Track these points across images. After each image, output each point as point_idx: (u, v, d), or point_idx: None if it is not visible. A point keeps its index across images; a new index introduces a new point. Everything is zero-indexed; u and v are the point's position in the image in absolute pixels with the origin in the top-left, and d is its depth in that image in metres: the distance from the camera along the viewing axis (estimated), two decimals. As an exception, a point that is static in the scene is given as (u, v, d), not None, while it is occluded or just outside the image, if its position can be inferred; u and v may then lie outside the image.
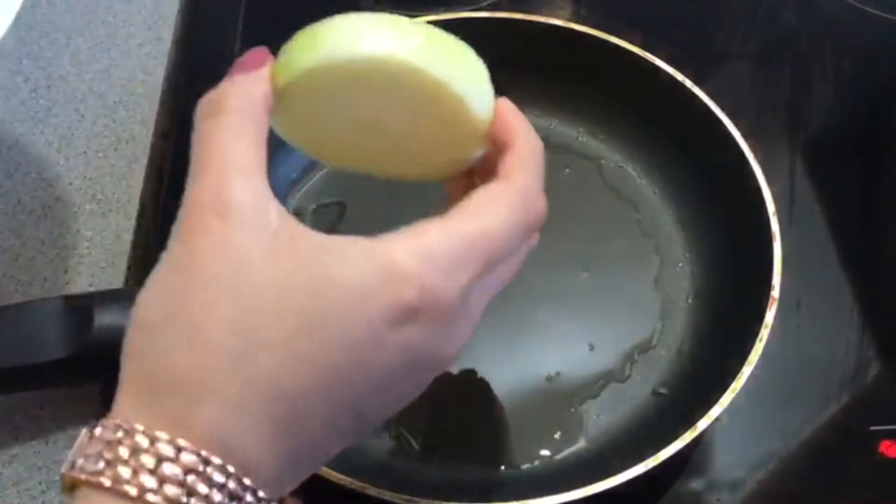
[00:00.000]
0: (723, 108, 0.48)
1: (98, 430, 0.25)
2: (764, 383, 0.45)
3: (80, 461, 0.25)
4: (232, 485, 0.25)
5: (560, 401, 0.45)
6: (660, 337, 0.47)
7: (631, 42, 0.50)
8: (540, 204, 0.31)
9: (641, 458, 0.38)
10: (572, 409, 0.45)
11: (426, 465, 0.43)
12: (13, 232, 0.50)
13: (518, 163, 0.30)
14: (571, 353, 0.46)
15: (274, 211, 0.27)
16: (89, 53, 0.57)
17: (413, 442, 0.43)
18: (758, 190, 0.45)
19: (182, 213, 0.27)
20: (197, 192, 0.27)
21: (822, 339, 0.49)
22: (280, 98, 0.30)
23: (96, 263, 0.49)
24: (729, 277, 0.47)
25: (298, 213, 0.51)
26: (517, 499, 0.37)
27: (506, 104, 0.32)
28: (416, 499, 0.38)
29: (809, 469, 0.45)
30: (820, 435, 0.46)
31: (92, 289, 0.48)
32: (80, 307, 0.41)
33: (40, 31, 0.58)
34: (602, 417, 0.45)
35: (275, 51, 0.31)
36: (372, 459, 0.42)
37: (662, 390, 0.45)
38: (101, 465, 0.24)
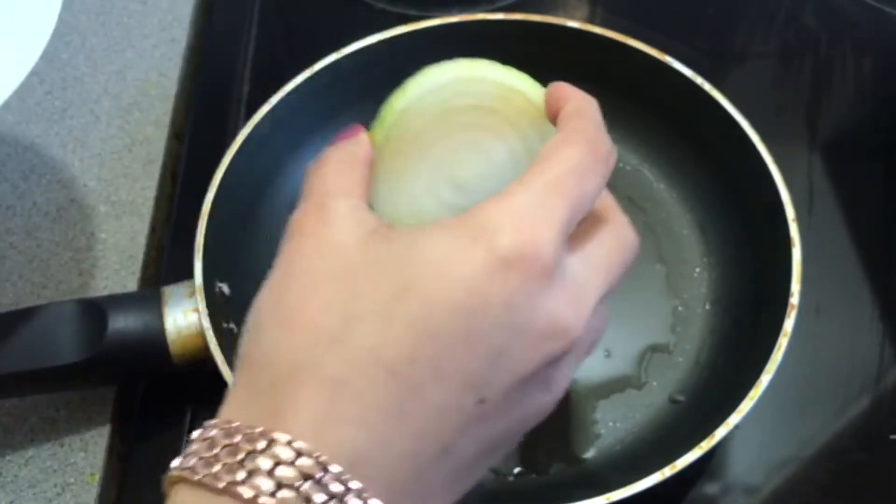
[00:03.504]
0: (741, 111, 0.47)
1: (213, 433, 0.25)
2: (782, 389, 0.45)
3: (193, 461, 0.24)
4: (336, 487, 0.24)
5: (575, 408, 0.44)
6: (677, 343, 0.46)
7: (648, 44, 0.49)
8: (605, 142, 0.30)
9: (658, 467, 0.38)
10: (587, 417, 0.44)
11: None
12: (28, 234, 0.50)
13: (571, 114, 0.30)
14: (587, 359, 0.46)
15: (373, 218, 0.28)
16: (104, 55, 0.57)
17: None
18: (777, 195, 0.45)
19: (286, 232, 0.28)
20: (301, 211, 0.29)
21: (842, 345, 0.48)
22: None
23: (110, 265, 0.49)
24: (747, 283, 0.46)
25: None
26: (531, 507, 0.37)
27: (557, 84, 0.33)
28: (430, 506, 0.37)
29: (827, 476, 0.45)
30: (838, 442, 0.46)
31: (106, 291, 0.48)
32: (95, 310, 0.41)
33: (55, 32, 0.58)
34: (618, 425, 0.44)
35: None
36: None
37: (680, 398, 0.45)
38: (218, 467, 0.24)
